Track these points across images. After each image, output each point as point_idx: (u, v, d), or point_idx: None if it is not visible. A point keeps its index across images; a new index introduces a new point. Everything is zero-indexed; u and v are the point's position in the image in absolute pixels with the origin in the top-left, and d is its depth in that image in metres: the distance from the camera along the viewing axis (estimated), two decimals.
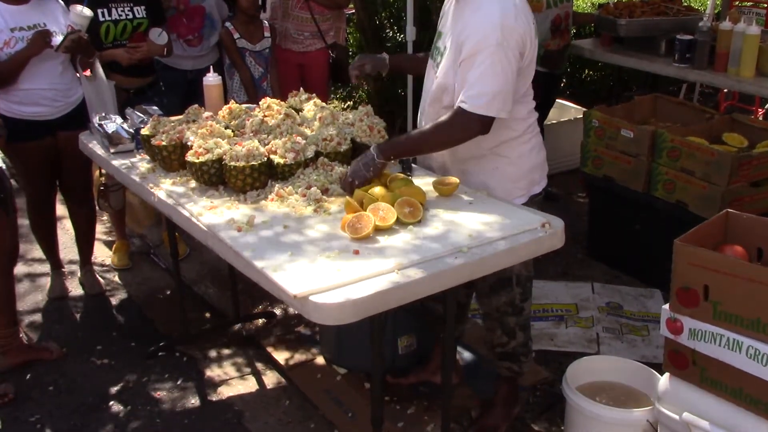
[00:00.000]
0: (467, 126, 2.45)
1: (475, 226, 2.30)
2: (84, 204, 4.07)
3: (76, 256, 4.27)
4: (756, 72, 4.32)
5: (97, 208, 4.18)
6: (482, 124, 2.45)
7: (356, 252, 2.13)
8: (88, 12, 3.64)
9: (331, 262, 2.08)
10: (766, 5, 5.81)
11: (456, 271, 2.10)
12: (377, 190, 2.44)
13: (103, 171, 4.05)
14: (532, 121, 2.71)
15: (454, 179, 2.57)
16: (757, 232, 2.37)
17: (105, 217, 4.75)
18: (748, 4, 6.19)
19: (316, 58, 4.86)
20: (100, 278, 4.22)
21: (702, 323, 2.19)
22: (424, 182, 2.60)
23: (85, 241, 4.17)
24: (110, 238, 4.70)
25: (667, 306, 2.28)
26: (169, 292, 4.19)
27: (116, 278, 4.34)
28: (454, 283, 2.13)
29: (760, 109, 6.64)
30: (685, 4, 5.56)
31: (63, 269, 4.22)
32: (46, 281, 4.18)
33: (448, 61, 2.55)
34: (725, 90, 6.40)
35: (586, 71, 7.26)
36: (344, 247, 2.17)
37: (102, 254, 4.55)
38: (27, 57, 3.48)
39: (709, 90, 7.27)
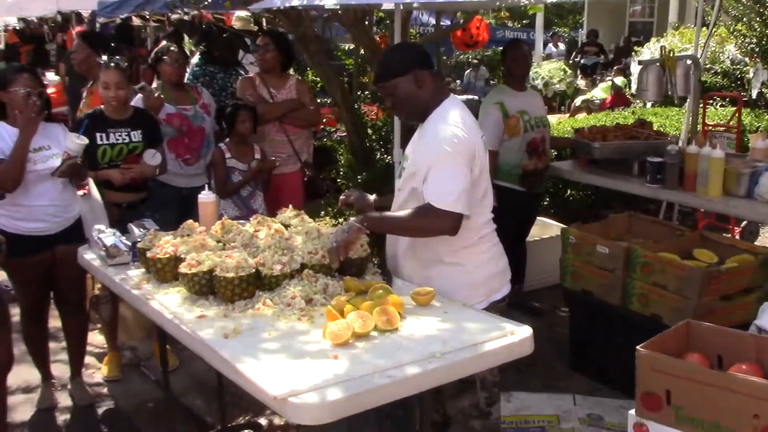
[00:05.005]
0: (439, 220, 2.67)
1: (448, 333, 2.43)
2: (78, 315, 4.15)
3: (66, 367, 4.31)
4: (723, 192, 4.54)
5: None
6: (452, 221, 2.66)
7: (335, 357, 2.25)
8: (83, 140, 3.86)
9: (311, 366, 2.20)
10: (736, 130, 6.16)
11: (429, 375, 2.21)
12: (358, 299, 2.58)
13: (97, 285, 4.19)
14: (488, 231, 2.92)
15: (430, 289, 2.71)
16: (717, 341, 2.51)
17: (96, 329, 4.82)
18: (721, 129, 6.53)
19: (292, 180, 4.99)
20: (89, 390, 4.27)
21: (666, 428, 2.29)
22: (402, 292, 2.74)
23: (76, 352, 4.23)
24: (100, 350, 4.77)
25: (633, 411, 2.38)
26: (156, 405, 4.22)
27: (105, 390, 4.38)
28: (428, 386, 2.25)
29: (737, 228, 6.86)
30: (656, 129, 5.87)
31: (53, 380, 4.26)
32: (36, 393, 4.22)
33: (406, 174, 2.87)
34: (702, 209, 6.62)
35: (569, 191, 7.53)
36: (324, 352, 2.29)
37: (92, 365, 4.60)
38: (26, 142, 3.61)
39: (687, 208, 7.51)
